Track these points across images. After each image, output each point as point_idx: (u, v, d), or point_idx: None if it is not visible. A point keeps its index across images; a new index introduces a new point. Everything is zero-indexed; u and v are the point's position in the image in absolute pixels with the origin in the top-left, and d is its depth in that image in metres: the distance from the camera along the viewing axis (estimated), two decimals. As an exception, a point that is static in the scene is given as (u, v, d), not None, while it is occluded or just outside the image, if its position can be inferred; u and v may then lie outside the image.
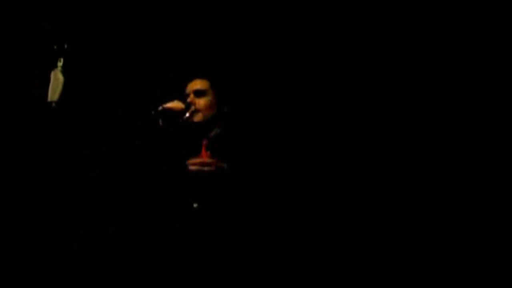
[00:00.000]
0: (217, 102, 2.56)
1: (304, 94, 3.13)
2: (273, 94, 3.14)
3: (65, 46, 2.42)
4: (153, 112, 2.38)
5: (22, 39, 3.50)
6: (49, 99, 2.34)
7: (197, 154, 2.39)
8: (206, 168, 2.29)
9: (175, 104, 2.46)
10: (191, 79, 2.59)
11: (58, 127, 2.48)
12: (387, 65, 3.13)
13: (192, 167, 2.29)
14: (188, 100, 2.49)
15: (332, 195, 2.93)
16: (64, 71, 2.36)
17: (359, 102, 3.16)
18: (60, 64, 2.37)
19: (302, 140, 2.90)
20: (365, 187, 2.98)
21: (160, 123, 2.41)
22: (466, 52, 3.15)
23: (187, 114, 2.45)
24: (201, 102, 2.51)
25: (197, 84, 2.54)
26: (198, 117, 2.48)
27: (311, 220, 2.81)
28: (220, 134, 2.49)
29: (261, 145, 2.49)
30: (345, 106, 3.14)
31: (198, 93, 2.52)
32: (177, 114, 2.43)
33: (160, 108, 2.40)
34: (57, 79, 2.34)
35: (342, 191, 2.94)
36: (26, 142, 3.30)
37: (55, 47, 2.41)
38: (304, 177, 2.73)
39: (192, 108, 2.47)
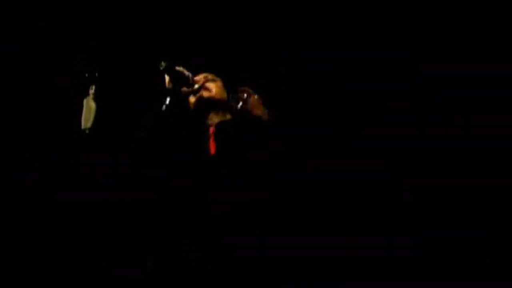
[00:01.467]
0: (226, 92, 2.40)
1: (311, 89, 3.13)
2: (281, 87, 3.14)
3: (96, 74, 2.45)
4: (162, 65, 2.29)
5: (56, 67, 3.60)
6: (82, 126, 2.38)
7: (203, 143, 2.30)
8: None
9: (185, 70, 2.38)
10: None
11: (93, 152, 2.51)
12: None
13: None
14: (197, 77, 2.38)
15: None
16: (96, 99, 2.39)
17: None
18: (91, 91, 2.41)
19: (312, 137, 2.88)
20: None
21: (167, 85, 2.35)
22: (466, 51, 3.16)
23: (195, 86, 2.35)
24: (211, 84, 2.38)
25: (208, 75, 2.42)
26: (208, 92, 2.36)
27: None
28: (227, 124, 2.35)
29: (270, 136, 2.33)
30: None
31: (208, 80, 2.39)
32: (185, 78, 2.35)
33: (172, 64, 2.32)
34: (89, 107, 2.38)
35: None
36: (64, 167, 3.38)
37: (86, 75, 2.44)
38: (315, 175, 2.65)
39: (200, 81, 2.36)
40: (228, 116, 2.38)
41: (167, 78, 2.37)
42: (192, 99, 2.38)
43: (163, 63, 2.30)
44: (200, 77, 2.38)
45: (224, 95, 2.39)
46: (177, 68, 2.35)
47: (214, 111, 2.36)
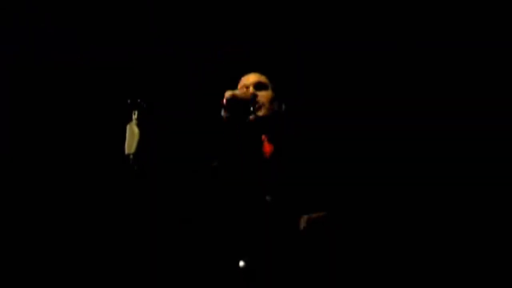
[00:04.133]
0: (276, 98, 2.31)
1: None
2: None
3: (139, 100, 2.46)
4: (223, 103, 2.14)
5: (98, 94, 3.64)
6: (126, 152, 2.38)
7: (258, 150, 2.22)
8: None
9: (241, 93, 2.21)
10: None
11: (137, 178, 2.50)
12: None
13: None
14: (251, 91, 2.24)
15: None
16: (138, 124, 2.40)
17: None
18: (134, 117, 2.41)
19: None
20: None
21: (224, 116, 2.19)
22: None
23: (253, 108, 2.20)
24: (263, 95, 2.28)
25: (257, 77, 2.31)
26: (262, 111, 2.25)
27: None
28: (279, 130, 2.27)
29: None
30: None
31: (259, 86, 2.30)
32: (243, 105, 2.18)
33: (228, 95, 2.15)
34: (132, 132, 2.38)
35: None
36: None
37: (129, 101, 2.45)
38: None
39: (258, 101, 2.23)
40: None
41: (223, 111, 2.22)
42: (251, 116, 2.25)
43: (229, 94, 2.16)
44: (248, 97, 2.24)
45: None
46: (235, 95, 2.19)
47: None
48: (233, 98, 2.15)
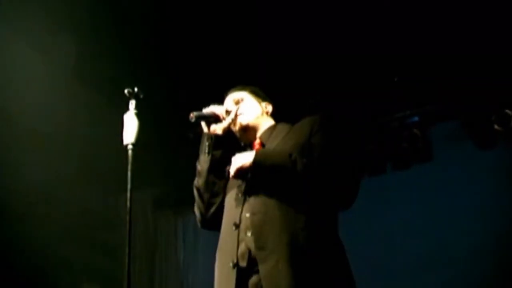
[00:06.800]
0: (260, 100, 2.54)
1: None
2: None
3: (135, 89, 2.47)
4: (191, 117, 2.37)
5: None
6: (124, 142, 2.40)
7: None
8: None
9: (215, 108, 2.46)
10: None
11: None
12: None
13: None
14: (227, 109, 2.48)
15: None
16: (137, 114, 2.42)
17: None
18: (132, 107, 2.43)
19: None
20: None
21: (205, 130, 2.42)
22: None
23: (229, 119, 2.44)
24: (241, 106, 2.50)
25: (231, 97, 2.53)
26: (244, 118, 2.47)
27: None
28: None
29: None
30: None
31: (237, 102, 2.51)
32: (217, 117, 2.43)
33: (200, 112, 2.40)
34: (131, 122, 2.40)
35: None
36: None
37: (126, 91, 2.47)
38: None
39: (233, 113, 2.46)
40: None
41: (203, 124, 2.43)
42: (234, 127, 2.48)
43: (192, 115, 2.38)
44: (228, 108, 2.48)
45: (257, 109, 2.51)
46: (205, 111, 2.43)
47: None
48: (201, 115, 2.41)
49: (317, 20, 3.60)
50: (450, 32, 3.69)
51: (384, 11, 3.53)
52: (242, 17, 3.60)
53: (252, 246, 2.16)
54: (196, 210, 2.45)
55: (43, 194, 4.47)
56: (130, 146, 2.39)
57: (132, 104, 2.45)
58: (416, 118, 4.41)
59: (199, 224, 2.49)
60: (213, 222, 2.41)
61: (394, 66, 3.96)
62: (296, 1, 3.53)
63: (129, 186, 2.36)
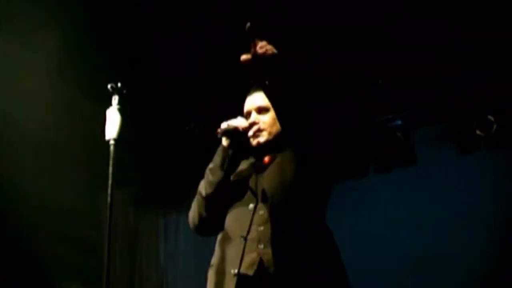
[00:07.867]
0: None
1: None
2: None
3: (119, 84, 2.45)
4: (218, 132, 2.28)
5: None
6: (106, 137, 2.38)
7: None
8: None
9: (239, 122, 2.33)
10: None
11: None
12: None
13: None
14: (250, 120, 2.34)
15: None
16: (120, 109, 2.40)
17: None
18: (115, 102, 2.41)
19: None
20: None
21: (225, 144, 2.30)
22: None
23: (250, 133, 2.31)
24: (264, 120, 2.35)
25: (259, 101, 2.37)
26: (264, 137, 2.35)
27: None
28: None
29: None
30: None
31: (261, 110, 2.37)
32: (241, 133, 2.31)
33: (223, 126, 2.29)
34: (113, 117, 2.38)
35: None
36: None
37: (109, 86, 2.44)
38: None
39: (255, 128, 2.33)
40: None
41: (224, 140, 2.32)
42: (253, 142, 2.36)
43: (219, 131, 2.28)
44: (251, 118, 2.35)
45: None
46: (231, 124, 2.31)
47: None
48: (227, 131, 2.29)
49: (301, 20, 3.60)
50: (433, 37, 3.71)
51: (369, 13, 3.54)
52: (223, 12, 3.57)
53: (266, 258, 2.15)
54: (195, 215, 2.37)
55: (23, 190, 4.42)
56: (112, 142, 2.38)
57: (115, 99, 2.43)
58: (399, 122, 4.43)
59: (193, 228, 2.42)
60: (210, 230, 2.38)
61: (378, 69, 3.97)
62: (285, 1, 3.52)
63: (110, 182, 2.34)
